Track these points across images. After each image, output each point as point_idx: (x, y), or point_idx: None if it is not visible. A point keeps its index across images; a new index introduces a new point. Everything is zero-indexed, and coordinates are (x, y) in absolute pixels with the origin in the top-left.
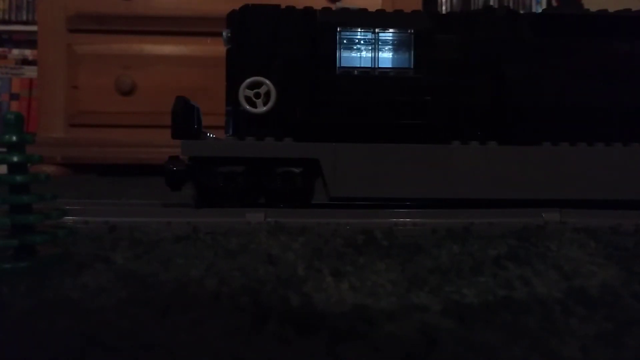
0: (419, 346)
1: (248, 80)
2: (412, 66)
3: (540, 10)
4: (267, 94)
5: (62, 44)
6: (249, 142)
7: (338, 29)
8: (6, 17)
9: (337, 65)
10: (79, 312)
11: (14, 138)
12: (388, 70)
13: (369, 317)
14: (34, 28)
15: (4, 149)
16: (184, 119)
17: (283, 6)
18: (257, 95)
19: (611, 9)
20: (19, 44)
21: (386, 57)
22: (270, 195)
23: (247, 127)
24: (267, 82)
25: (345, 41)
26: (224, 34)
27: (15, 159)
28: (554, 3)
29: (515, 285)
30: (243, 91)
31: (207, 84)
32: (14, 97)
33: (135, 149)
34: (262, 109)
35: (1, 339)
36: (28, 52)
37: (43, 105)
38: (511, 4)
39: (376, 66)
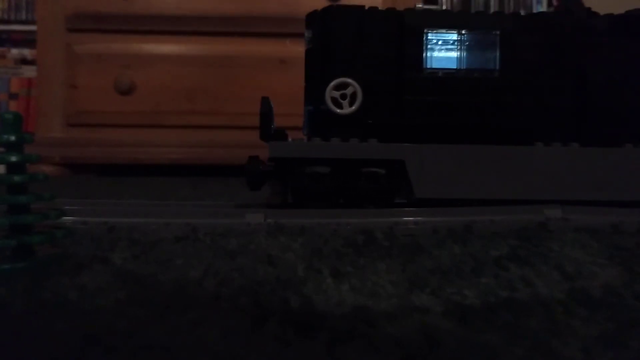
0: (419, 347)
1: (335, 82)
2: (497, 67)
3: (540, 10)
4: (353, 95)
5: (61, 44)
6: (335, 143)
7: (425, 30)
8: (5, 16)
9: (424, 66)
10: (77, 312)
11: (13, 138)
12: (473, 71)
13: (369, 318)
14: (33, 27)
15: (3, 149)
16: (271, 120)
17: (367, 7)
18: (344, 97)
19: (612, 10)
20: (17, 44)
21: (471, 58)
22: (354, 196)
23: (331, 128)
24: (354, 83)
25: (431, 42)
26: (305, 34)
27: (13, 158)
28: (555, 3)
29: (516, 286)
30: (329, 92)
31: (206, 84)
32: (12, 96)
33: (134, 148)
34: (348, 110)
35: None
36: (27, 52)
37: (42, 105)
38: (512, 4)
39: (462, 67)
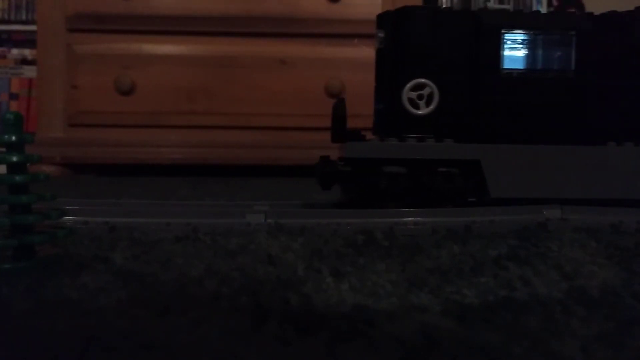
0: (419, 347)
1: (412, 82)
2: (572, 67)
3: (539, 10)
4: (430, 96)
5: (62, 44)
6: (411, 143)
7: (502, 31)
8: (5, 16)
9: (500, 66)
10: (79, 312)
11: (13, 138)
12: (548, 71)
13: (369, 318)
14: (33, 28)
15: (3, 149)
16: (345, 121)
17: (442, 7)
18: (420, 97)
19: (613, 7)
20: (18, 44)
21: (546, 58)
22: (429, 196)
23: (407, 128)
24: (431, 84)
25: (507, 43)
26: (376, 34)
27: (14, 158)
28: (555, 3)
29: (515, 286)
30: (407, 93)
31: (207, 84)
32: (13, 97)
33: (135, 148)
34: (424, 110)
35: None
36: (27, 52)
37: (42, 105)
38: (511, 4)
39: (537, 68)
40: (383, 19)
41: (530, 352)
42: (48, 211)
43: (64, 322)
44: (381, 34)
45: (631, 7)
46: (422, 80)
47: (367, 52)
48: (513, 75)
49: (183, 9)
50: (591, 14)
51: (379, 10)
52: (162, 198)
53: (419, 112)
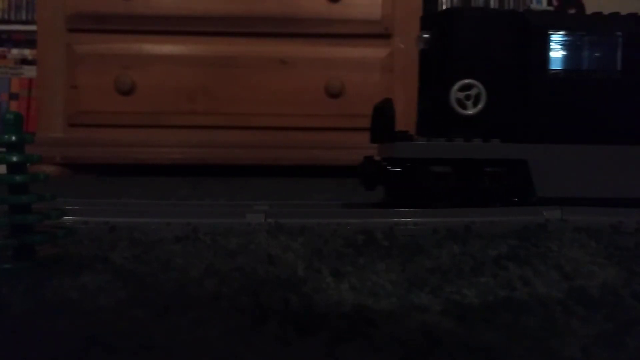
0: (419, 346)
1: (460, 83)
2: (619, 68)
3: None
4: (478, 96)
5: (62, 44)
6: (459, 143)
7: (549, 32)
8: (5, 16)
9: (547, 67)
10: (78, 312)
11: (13, 138)
12: (595, 72)
13: (369, 318)
14: (33, 28)
15: (3, 149)
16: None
17: (489, 10)
18: (468, 97)
19: (611, 9)
20: (18, 44)
21: (593, 59)
22: (476, 195)
23: (454, 128)
24: (479, 84)
25: (554, 44)
26: (421, 36)
27: (14, 158)
28: (555, 2)
29: (515, 286)
30: (454, 93)
31: (207, 84)
32: (13, 97)
33: (135, 148)
34: (472, 110)
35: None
36: (27, 52)
37: (42, 105)
38: (511, 4)
39: (583, 68)
40: (428, 20)
41: (530, 352)
42: (48, 211)
43: (64, 322)
44: (426, 35)
45: (632, 8)
46: (470, 80)
47: (366, 53)
48: (560, 75)
49: (183, 9)
50: (637, 14)
51: (379, 10)
52: (162, 198)
53: (467, 112)
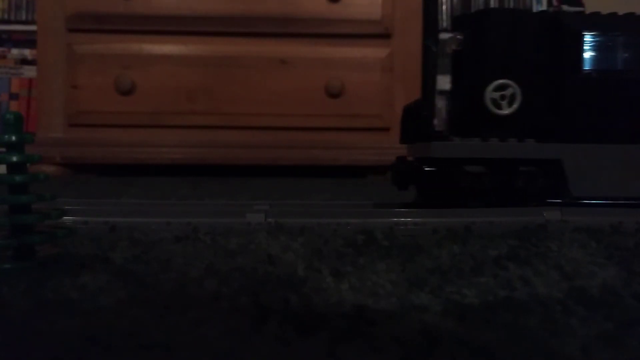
0: (419, 346)
1: (495, 83)
2: None
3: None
4: (512, 96)
5: (62, 44)
6: (494, 143)
7: (583, 33)
8: (5, 16)
9: (582, 67)
10: (78, 312)
11: (13, 138)
12: (628, 72)
13: (369, 318)
14: (33, 28)
15: (3, 149)
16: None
17: (522, 11)
18: (503, 98)
19: (612, 10)
20: (18, 44)
21: (626, 59)
22: (510, 195)
23: (489, 128)
24: (513, 84)
25: (589, 44)
26: (454, 37)
27: (14, 158)
28: (555, 3)
29: (515, 286)
30: (489, 93)
31: (207, 84)
32: (13, 97)
33: (135, 148)
34: (507, 110)
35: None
36: (27, 52)
37: (42, 105)
38: (511, 4)
39: (617, 68)
40: (461, 21)
41: (530, 352)
42: (48, 211)
43: (64, 322)
44: (459, 36)
45: (631, 8)
46: (505, 81)
47: (366, 52)
48: (593, 75)
49: (183, 9)
50: None
51: (379, 10)
52: (162, 198)
53: (502, 112)
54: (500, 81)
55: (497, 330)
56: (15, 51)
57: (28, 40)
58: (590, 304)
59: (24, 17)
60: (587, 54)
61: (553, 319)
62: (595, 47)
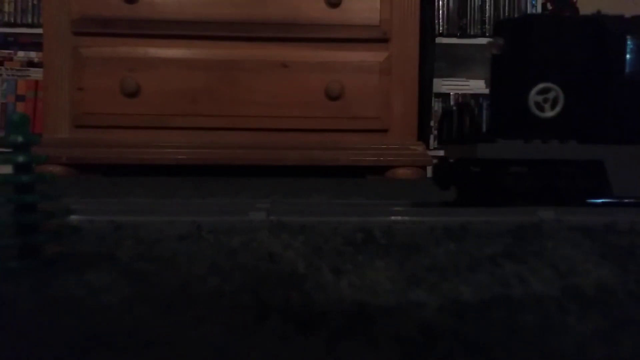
0: (417, 342)
1: (539, 86)
2: None
3: (534, 12)
4: (555, 99)
5: (68, 47)
6: (537, 144)
7: (627, 36)
8: (12, 20)
9: (624, 70)
10: (83, 310)
11: (20, 139)
12: None
13: (368, 314)
14: (39, 31)
15: (10, 150)
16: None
17: (564, 16)
18: (546, 100)
19: (609, 11)
20: (24, 47)
21: None
22: (552, 195)
23: (531, 130)
24: (556, 87)
25: (632, 47)
26: (495, 42)
27: (21, 159)
28: (549, 6)
29: (511, 283)
30: (533, 97)
31: (210, 87)
32: (19, 98)
33: (140, 149)
34: (549, 113)
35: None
36: (33, 55)
37: (48, 107)
38: (506, 7)
39: None
40: (502, 26)
41: (525, 348)
42: (54, 210)
43: (69, 320)
44: (500, 41)
45: (627, 9)
46: (548, 84)
47: (365, 56)
48: (635, 78)
49: (187, 14)
50: None
51: (377, 15)
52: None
53: (545, 114)
54: (544, 85)
55: (494, 327)
56: (21, 54)
57: (34, 43)
58: (585, 301)
59: (30, 21)
60: (630, 58)
61: (548, 316)
62: (636, 51)
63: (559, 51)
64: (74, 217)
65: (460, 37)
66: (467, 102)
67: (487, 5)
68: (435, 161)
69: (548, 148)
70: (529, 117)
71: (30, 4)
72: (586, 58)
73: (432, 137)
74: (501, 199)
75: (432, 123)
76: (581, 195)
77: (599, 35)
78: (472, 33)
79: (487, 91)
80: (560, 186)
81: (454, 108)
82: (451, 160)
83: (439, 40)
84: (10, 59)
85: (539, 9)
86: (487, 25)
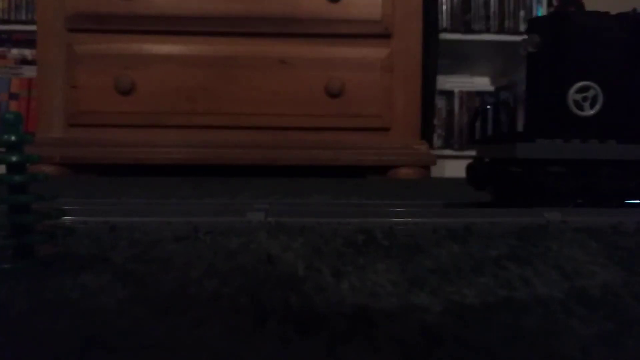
0: (419, 346)
1: (578, 85)
2: None
3: (540, 11)
4: (594, 98)
5: (62, 44)
6: (576, 144)
7: None
8: (5, 16)
9: None
10: (78, 312)
11: (13, 138)
12: None
13: (369, 317)
14: (33, 28)
15: (3, 149)
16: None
17: (602, 13)
18: (585, 99)
19: (612, 9)
20: (18, 44)
21: None
22: (592, 195)
23: (571, 129)
24: (595, 86)
25: None
26: (531, 40)
27: (14, 158)
28: (555, 3)
29: (515, 286)
30: (572, 95)
31: (207, 84)
32: (13, 97)
33: (135, 148)
34: (589, 112)
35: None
36: (27, 52)
37: (42, 105)
38: (511, 3)
39: None
40: (538, 24)
41: (530, 352)
42: (48, 211)
43: (64, 322)
44: (536, 39)
45: (629, 7)
46: (587, 82)
47: (366, 53)
48: None
49: (183, 9)
50: None
51: (379, 10)
52: (162, 197)
53: (584, 113)
54: (583, 83)
55: (498, 330)
56: (15, 51)
57: (28, 40)
58: (590, 304)
59: (24, 17)
60: None
61: (553, 318)
62: None
63: (597, 49)
64: (68, 218)
65: (465, 33)
66: (505, 100)
67: (491, 0)
68: (469, 162)
69: (588, 148)
70: (568, 116)
71: (24, 0)
72: (625, 56)
73: (435, 135)
74: (541, 200)
75: (435, 121)
76: (621, 196)
77: (637, 33)
78: (476, 29)
79: (491, 88)
80: (600, 187)
81: (488, 107)
82: (486, 160)
83: (442, 36)
84: (4, 57)
85: (545, 5)
86: (491, 21)
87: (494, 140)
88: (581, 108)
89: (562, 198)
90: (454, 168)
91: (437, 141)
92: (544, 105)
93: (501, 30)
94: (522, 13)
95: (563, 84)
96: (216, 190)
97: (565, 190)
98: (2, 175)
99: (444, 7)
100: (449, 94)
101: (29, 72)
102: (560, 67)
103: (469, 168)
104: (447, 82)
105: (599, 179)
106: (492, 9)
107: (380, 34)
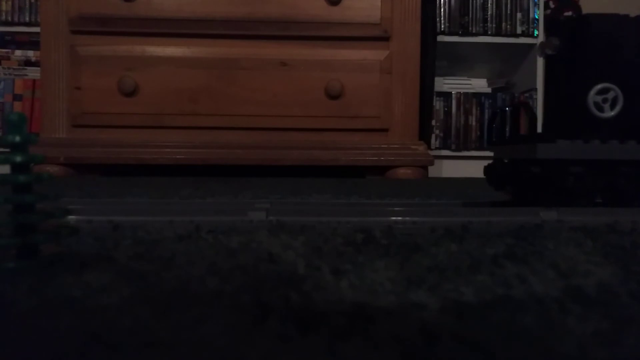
0: (417, 343)
1: (598, 87)
2: None
3: (537, 13)
4: (614, 100)
5: (65, 46)
6: (597, 144)
7: None
8: (9, 18)
9: None
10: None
11: (17, 138)
12: None
13: (368, 315)
14: (36, 29)
15: (8, 149)
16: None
17: (621, 15)
18: (605, 101)
19: (609, 10)
20: (22, 45)
21: None
22: (611, 195)
23: (591, 130)
24: (615, 88)
25: None
26: (550, 42)
27: (18, 159)
28: (552, 5)
29: (512, 284)
30: (592, 97)
31: (209, 86)
32: (17, 98)
33: (138, 149)
34: (609, 113)
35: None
36: (31, 54)
37: (46, 106)
38: (508, 5)
39: None
40: (557, 26)
41: (526, 349)
42: (52, 210)
43: (67, 320)
44: (556, 41)
45: (628, 9)
46: (607, 84)
47: (366, 55)
48: None
49: (185, 12)
50: None
51: (377, 13)
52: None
53: (604, 115)
54: (603, 85)
55: (495, 328)
56: (19, 53)
57: (32, 42)
58: (586, 302)
59: (27, 19)
60: None
61: (550, 316)
62: None
63: (616, 51)
64: (72, 217)
65: (462, 35)
66: (525, 101)
67: (489, 3)
68: (487, 163)
69: (608, 148)
70: (588, 118)
71: (27, 2)
72: None
73: (433, 136)
74: (561, 199)
75: (433, 122)
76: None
77: None
78: (474, 31)
79: (489, 90)
80: (620, 187)
81: (507, 108)
82: (505, 161)
83: (440, 38)
84: (8, 58)
85: (542, 7)
86: (489, 24)
87: (512, 141)
88: (601, 109)
89: (583, 198)
90: (451, 168)
91: (434, 142)
92: (563, 107)
93: (498, 32)
94: (519, 15)
95: (583, 86)
96: (218, 189)
97: (586, 190)
98: (7, 175)
99: (442, 10)
100: (446, 96)
101: (33, 73)
102: (580, 70)
103: (488, 168)
104: (444, 83)
105: (619, 179)
106: (489, 12)
107: (379, 37)
